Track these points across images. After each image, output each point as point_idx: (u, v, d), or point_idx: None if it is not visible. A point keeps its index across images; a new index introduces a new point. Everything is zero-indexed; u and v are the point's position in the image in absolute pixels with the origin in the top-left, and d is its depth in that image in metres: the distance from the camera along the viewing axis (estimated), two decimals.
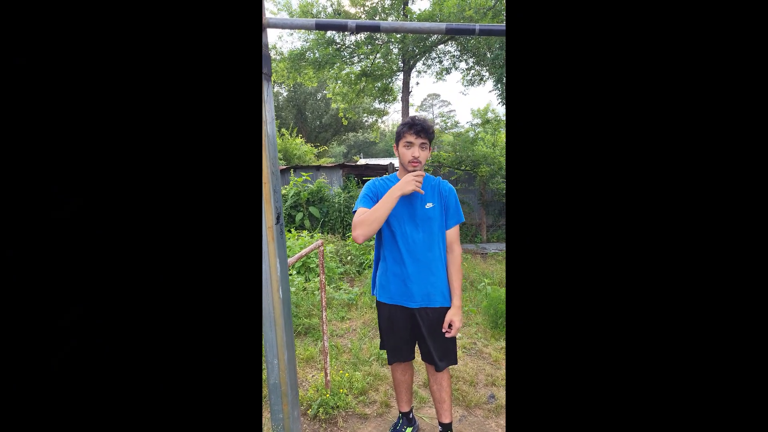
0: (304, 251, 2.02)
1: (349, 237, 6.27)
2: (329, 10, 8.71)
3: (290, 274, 4.49)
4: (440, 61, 8.96)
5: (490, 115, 8.96)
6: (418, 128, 1.61)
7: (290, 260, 1.72)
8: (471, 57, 8.44)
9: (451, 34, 1.32)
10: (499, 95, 7.40)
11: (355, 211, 1.64)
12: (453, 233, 1.75)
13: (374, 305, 3.82)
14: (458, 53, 8.68)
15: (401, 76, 8.82)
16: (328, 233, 7.47)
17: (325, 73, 9.29)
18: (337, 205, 7.84)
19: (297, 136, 13.35)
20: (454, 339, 1.75)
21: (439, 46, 8.69)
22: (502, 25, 1.17)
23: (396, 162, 11.95)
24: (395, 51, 8.49)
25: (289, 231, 6.40)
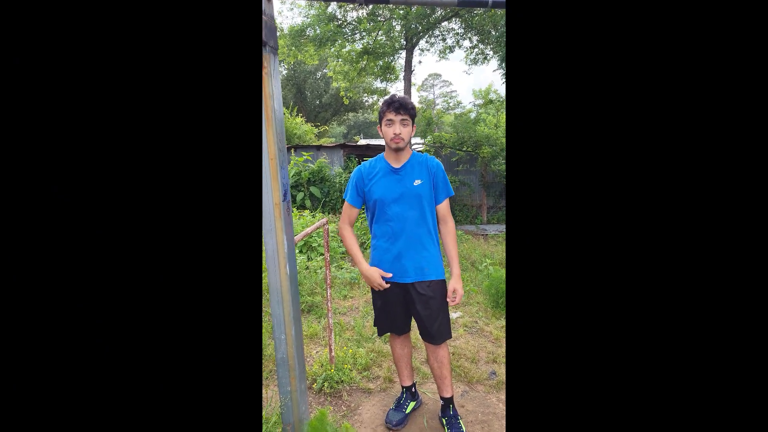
0: (309, 229, 2.02)
1: None
2: None
3: None
4: (444, 39, 8.77)
5: (492, 96, 8.84)
6: (396, 105, 1.64)
7: (296, 238, 1.73)
8: (475, 35, 8.27)
9: (463, 6, 1.29)
10: (503, 74, 7.28)
11: (344, 199, 1.80)
12: (444, 207, 1.79)
13: None
14: (462, 31, 8.49)
15: (404, 54, 8.65)
16: (328, 213, 7.48)
17: (325, 51, 9.11)
18: (338, 185, 7.82)
19: (297, 115, 13.20)
20: (447, 312, 1.80)
21: (443, 23, 8.51)
22: None
23: None
24: (398, 28, 8.31)
25: None
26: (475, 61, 8.77)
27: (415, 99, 10.66)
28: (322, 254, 4.58)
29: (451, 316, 1.90)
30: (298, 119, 13.40)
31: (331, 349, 2.32)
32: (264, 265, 1.27)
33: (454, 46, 8.78)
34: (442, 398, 1.90)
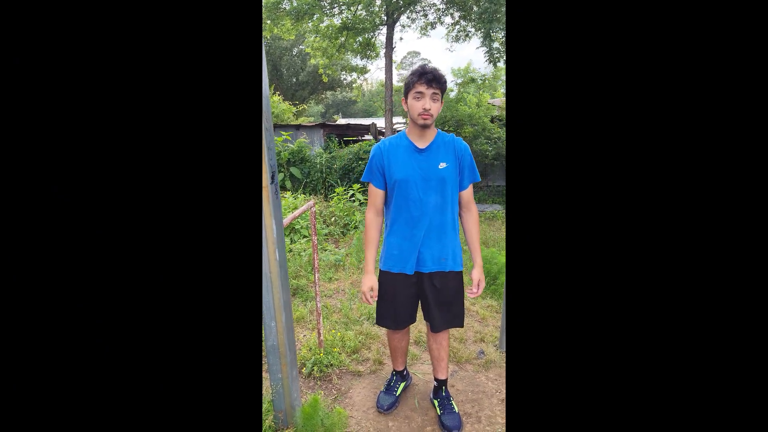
0: (297, 212, 1.95)
1: (332, 198, 6.19)
2: None
3: None
4: (425, 15, 8.55)
5: (472, 74, 8.73)
6: (429, 77, 1.48)
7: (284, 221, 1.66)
8: (457, 11, 8.08)
9: None
10: (486, 52, 7.18)
11: (365, 182, 1.68)
12: (468, 193, 1.67)
13: (361, 266, 3.83)
14: (444, 6, 8.29)
15: (384, 30, 8.41)
16: (309, 194, 7.35)
17: (303, 26, 8.76)
18: (318, 165, 7.67)
19: (274, 93, 12.78)
20: (462, 302, 1.75)
21: None
22: None
23: (379, 122, 11.68)
24: (378, 2, 8.05)
25: None
26: (457, 39, 8.61)
27: (395, 78, 10.45)
28: (305, 236, 4.50)
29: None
30: (276, 97, 12.99)
31: (319, 333, 2.29)
32: None
33: (435, 23, 8.58)
34: (436, 379, 1.90)
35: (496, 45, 7.01)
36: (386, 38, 8.26)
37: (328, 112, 26.52)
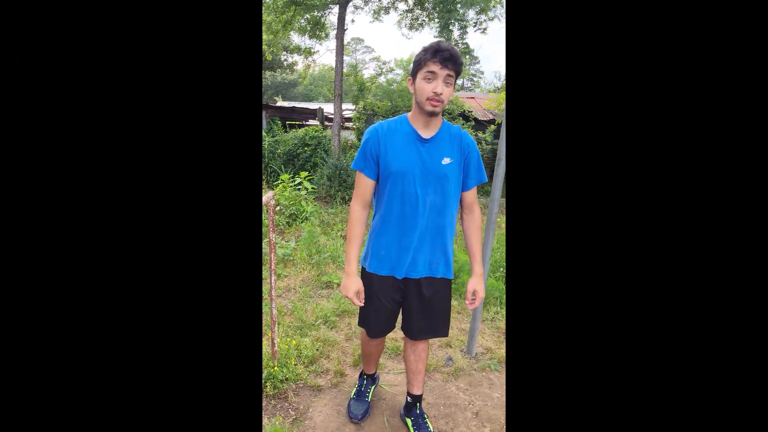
0: None
1: (277, 185, 5.75)
2: None
3: None
4: None
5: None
6: (445, 55, 1.24)
7: None
8: None
9: None
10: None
11: (355, 169, 1.44)
12: (472, 194, 1.49)
13: (313, 261, 3.54)
14: None
15: (336, 10, 7.95)
16: None
17: None
18: (262, 149, 7.13)
19: None
20: (449, 311, 1.58)
21: None
22: None
23: (327, 108, 11.17)
24: None
25: None
26: (411, 26, 8.41)
27: (346, 61, 10.01)
28: None
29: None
30: None
31: (273, 344, 2.00)
32: None
33: (389, 8, 8.29)
34: (409, 394, 1.72)
35: (455, 37, 6.92)
36: (338, 18, 7.81)
37: (266, 93, 25.15)
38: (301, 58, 13.05)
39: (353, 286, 1.43)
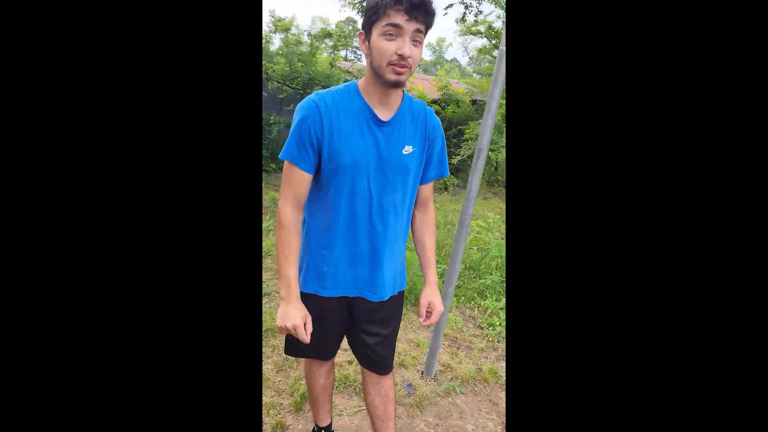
0: None
1: None
2: None
3: None
4: None
5: (331, 27, 7.86)
6: (414, 2, 0.87)
7: None
8: None
9: None
10: (357, 5, 6.43)
11: (285, 160, 1.02)
12: (429, 189, 1.19)
13: None
14: None
15: None
16: None
17: None
18: None
19: None
20: (396, 333, 1.28)
21: None
22: None
23: None
24: None
25: None
26: None
27: None
28: None
29: None
30: None
31: None
32: None
33: None
34: None
35: None
36: None
37: None
38: None
39: (297, 315, 1.05)
